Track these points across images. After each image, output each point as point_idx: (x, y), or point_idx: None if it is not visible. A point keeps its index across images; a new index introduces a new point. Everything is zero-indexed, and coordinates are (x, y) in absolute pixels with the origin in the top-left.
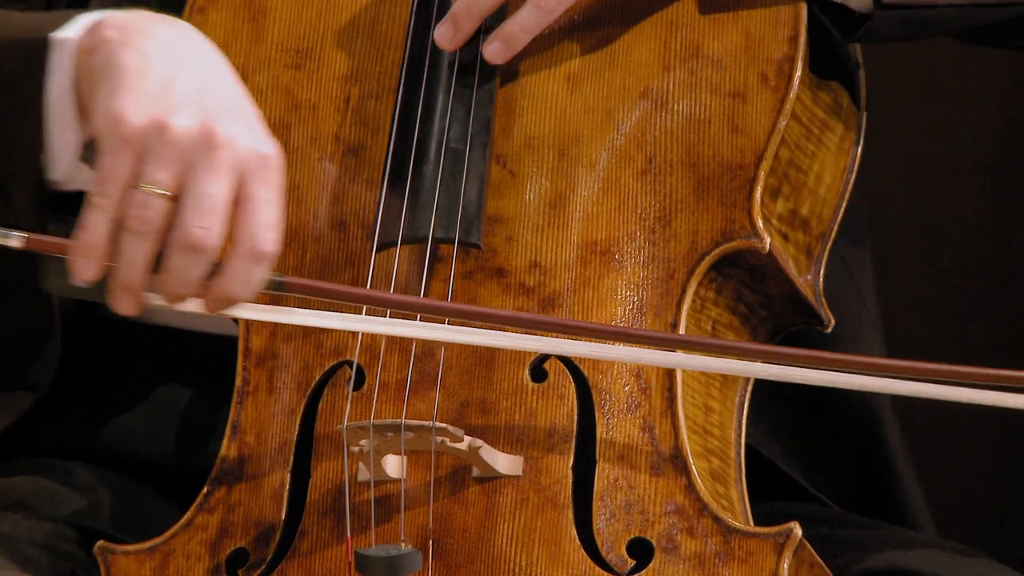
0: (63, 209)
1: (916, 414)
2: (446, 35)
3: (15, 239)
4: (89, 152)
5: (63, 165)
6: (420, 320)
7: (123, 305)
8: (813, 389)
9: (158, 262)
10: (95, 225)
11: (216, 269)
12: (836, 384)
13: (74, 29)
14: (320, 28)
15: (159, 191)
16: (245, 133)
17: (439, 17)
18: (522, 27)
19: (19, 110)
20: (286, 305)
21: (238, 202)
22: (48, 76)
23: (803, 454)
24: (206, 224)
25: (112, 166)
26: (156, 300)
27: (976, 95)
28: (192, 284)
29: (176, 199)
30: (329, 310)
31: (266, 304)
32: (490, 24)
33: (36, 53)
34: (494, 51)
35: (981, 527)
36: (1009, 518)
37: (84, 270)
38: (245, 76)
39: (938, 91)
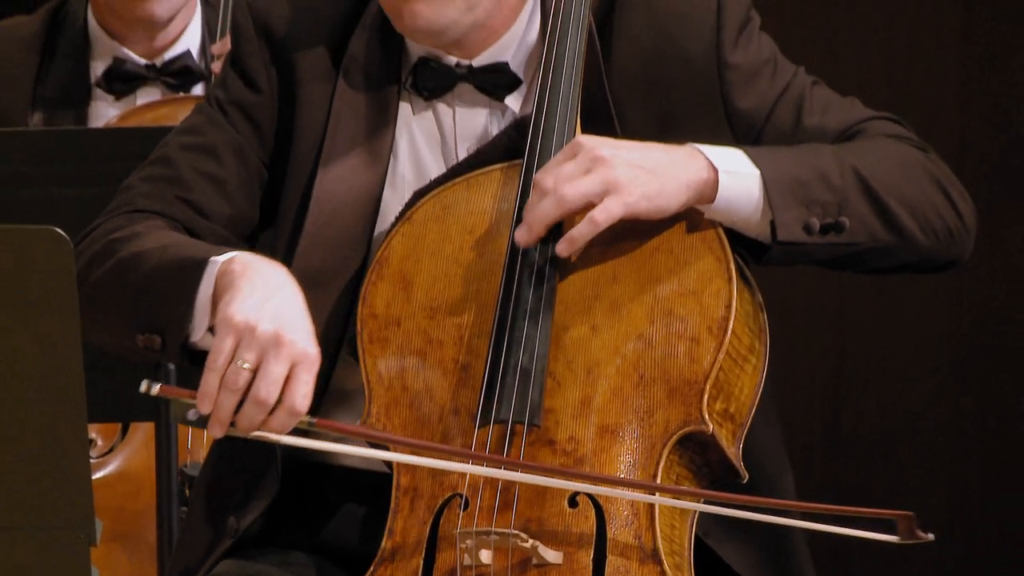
0: (193, 361)
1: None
2: (522, 236)
3: (156, 388)
4: (212, 330)
5: (199, 334)
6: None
7: (215, 432)
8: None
9: (238, 408)
10: (209, 381)
11: (270, 416)
12: (749, 518)
13: (221, 258)
14: (446, 295)
15: (246, 366)
16: (301, 339)
17: (519, 295)
18: (580, 234)
19: (183, 299)
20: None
21: (288, 379)
22: (202, 281)
23: (734, 542)
24: (270, 390)
25: (221, 344)
26: (234, 432)
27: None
28: (255, 424)
29: (254, 372)
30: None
31: (413, 454)
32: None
33: (200, 267)
34: (563, 248)
35: None
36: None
37: (202, 407)
38: (399, 322)
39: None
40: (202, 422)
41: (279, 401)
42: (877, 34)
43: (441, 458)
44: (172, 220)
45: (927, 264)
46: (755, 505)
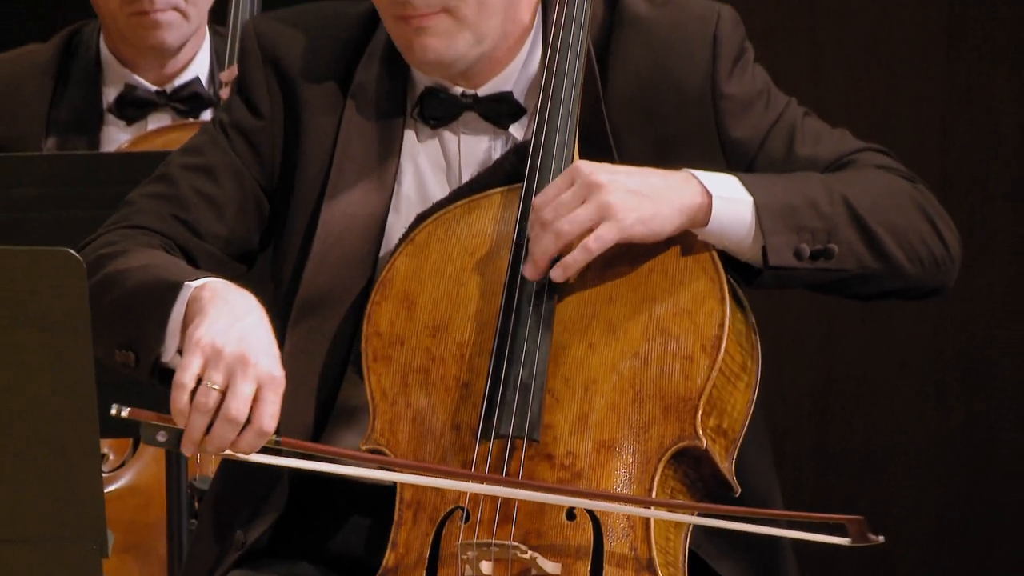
0: (163, 381)
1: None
2: (530, 271)
3: (125, 411)
4: (180, 352)
5: (169, 355)
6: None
7: (187, 451)
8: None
9: (208, 427)
10: (178, 397)
11: (239, 435)
12: (739, 529)
13: (194, 283)
14: (447, 314)
15: (215, 387)
16: (265, 361)
17: (519, 315)
18: (574, 260)
19: (156, 320)
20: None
21: (255, 400)
22: (175, 305)
23: (726, 554)
24: (240, 409)
25: (188, 362)
26: (204, 451)
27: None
28: (225, 443)
29: (223, 392)
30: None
31: (413, 474)
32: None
33: (174, 290)
34: (557, 275)
35: None
36: None
37: (178, 421)
38: (402, 340)
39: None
40: (171, 443)
41: (247, 421)
42: (861, 64)
43: (432, 476)
44: (167, 238)
45: (913, 291)
46: (719, 513)
